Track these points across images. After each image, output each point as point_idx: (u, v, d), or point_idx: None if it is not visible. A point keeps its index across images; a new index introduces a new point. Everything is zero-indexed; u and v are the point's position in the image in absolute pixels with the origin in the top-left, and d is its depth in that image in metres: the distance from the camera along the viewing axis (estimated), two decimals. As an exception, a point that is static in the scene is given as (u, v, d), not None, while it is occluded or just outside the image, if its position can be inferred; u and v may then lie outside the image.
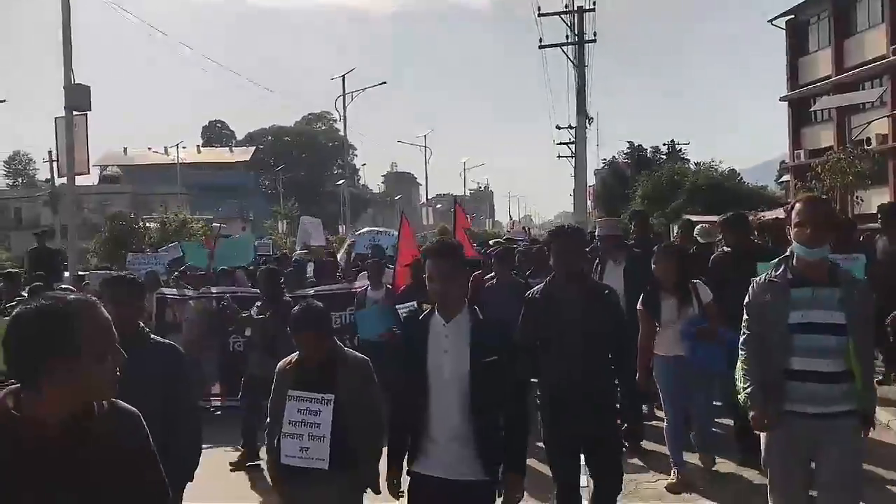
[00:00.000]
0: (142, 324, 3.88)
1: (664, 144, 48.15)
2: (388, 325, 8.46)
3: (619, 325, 4.61)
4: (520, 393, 3.63)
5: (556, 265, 4.56)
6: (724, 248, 6.92)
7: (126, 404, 2.08)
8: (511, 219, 55.23)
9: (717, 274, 6.32)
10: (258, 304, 7.66)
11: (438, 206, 70.52)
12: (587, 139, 28.64)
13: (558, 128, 38.38)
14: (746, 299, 3.83)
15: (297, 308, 3.91)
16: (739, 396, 3.81)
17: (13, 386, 1.93)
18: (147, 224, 20.73)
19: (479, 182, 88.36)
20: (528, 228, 36.50)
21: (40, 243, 15.24)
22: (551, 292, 4.54)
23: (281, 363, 4.00)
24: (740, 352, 3.85)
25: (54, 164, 42.38)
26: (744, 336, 3.83)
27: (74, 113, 14.74)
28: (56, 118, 15.55)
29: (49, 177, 48.64)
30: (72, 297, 1.97)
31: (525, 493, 3.62)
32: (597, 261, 8.17)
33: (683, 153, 47.35)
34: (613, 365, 4.62)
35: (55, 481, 1.87)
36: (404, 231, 9.74)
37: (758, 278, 3.85)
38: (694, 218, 13.16)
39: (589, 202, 38.83)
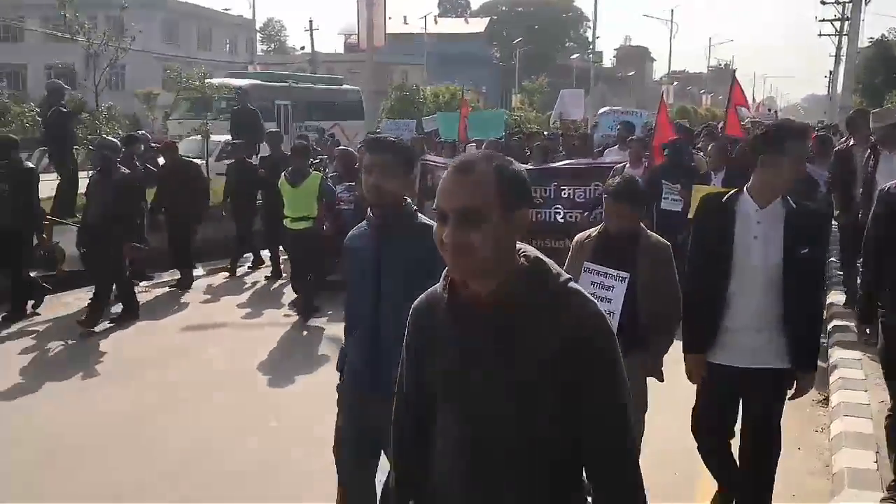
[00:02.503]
0: (408, 199, 3.12)
1: (947, 22, 42.25)
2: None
3: None
4: (821, 287, 3.58)
5: None
6: None
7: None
8: (754, 100, 51.28)
9: None
10: None
11: (675, 83, 67.05)
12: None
13: (822, 2, 34.93)
14: None
15: (617, 179, 3.90)
16: None
17: None
18: (425, 95, 22.17)
19: (720, 60, 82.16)
20: (776, 111, 34.18)
21: (241, 103, 14.79)
22: None
23: (579, 235, 4.08)
24: None
25: (315, 32, 45.57)
26: None
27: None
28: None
29: (304, 45, 52.15)
30: None
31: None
32: (869, 152, 7.81)
33: (970, 31, 41.46)
34: None
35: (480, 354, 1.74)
36: (662, 111, 9.85)
37: None
38: None
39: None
